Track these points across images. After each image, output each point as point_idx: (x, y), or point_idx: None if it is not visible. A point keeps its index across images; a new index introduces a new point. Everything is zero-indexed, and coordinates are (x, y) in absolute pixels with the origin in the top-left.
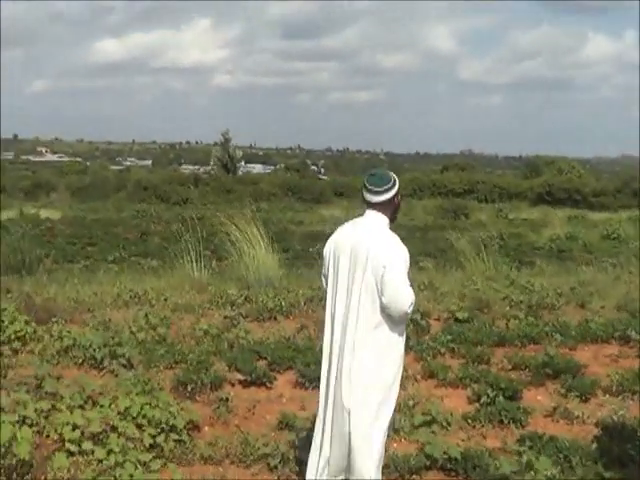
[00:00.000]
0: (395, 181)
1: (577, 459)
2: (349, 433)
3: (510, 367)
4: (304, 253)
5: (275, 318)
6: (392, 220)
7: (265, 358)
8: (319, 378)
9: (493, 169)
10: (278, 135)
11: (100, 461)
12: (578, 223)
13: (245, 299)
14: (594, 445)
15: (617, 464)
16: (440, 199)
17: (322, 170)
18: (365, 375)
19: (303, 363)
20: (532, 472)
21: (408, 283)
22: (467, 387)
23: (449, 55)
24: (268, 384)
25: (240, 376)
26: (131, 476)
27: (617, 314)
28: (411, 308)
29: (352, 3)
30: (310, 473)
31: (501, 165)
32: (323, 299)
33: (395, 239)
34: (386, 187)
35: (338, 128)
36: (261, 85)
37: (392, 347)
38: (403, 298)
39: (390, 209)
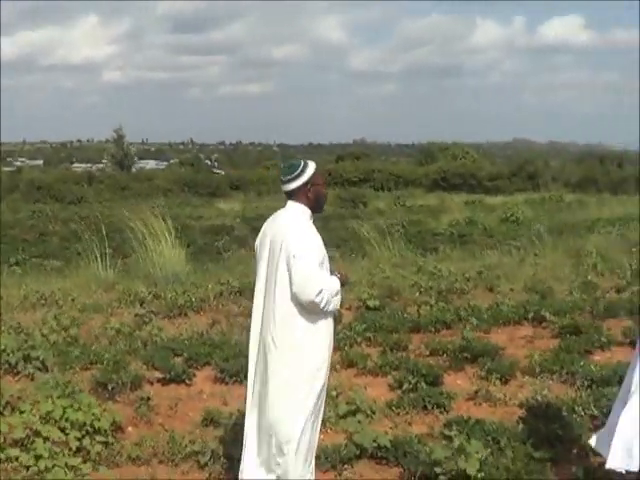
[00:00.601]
0: (304, 169)
1: (505, 441)
2: (272, 426)
3: (428, 353)
4: (207, 247)
5: (186, 314)
6: (315, 210)
7: (181, 355)
8: (238, 372)
9: (387, 157)
10: (170, 130)
11: (27, 467)
12: (475, 208)
13: (154, 296)
14: (520, 426)
15: (545, 444)
16: (337, 189)
17: (216, 164)
18: (287, 366)
19: (221, 358)
20: (464, 456)
21: (320, 273)
22: (387, 375)
23: (340, 45)
24: (187, 381)
25: (158, 374)
26: None
27: (526, 296)
28: (320, 297)
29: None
30: (245, 473)
31: (394, 153)
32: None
33: (309, 229)
34: (292, 176)
35: (230, 121)
36: (152, 80)
37: (313, 336)
38: (310, 287)
39: (304, 198)
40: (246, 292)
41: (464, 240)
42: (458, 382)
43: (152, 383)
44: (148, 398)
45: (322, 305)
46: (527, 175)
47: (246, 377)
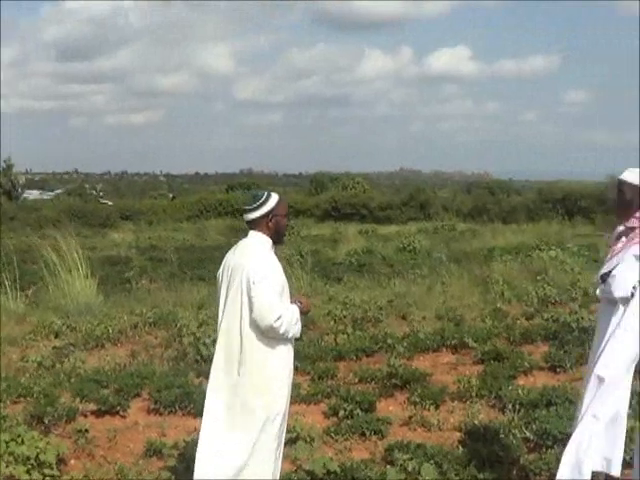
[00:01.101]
0: (266, 200)
1: (447, 464)
2: (233, 451)
3: (356, 380)
4: (109, 278)
5: (103, 346)
6: (275, 241)
7: (107, 387)
8: (173, 403)
9: (274, 187)
10: (54, 160)
11: None
12: (370, 237)
13: (68, 328)
14: (461, 449)
15: (487, 465)
16: (228, 219)
17: (101, 194)
18: (248, 390)
19: (152, 389)
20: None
21: (279, 299)
22: (320, 402)
23: (226, 75)
24: (122, 412)
25: (92, 406)
26: None
27: (439, 323)
28: (279, 323)
29: (128, 24)
30: None
31: (282, 182)
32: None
33: (269, 258)
34: (254, 206)
35: (116, 151)
36: (36, 109)
37: (274, 361)
38: (269, 313)
39: (265, 228)
40: (160, 323)
41: (364, 269)
42: (390, 408)
43: (86, 415)
44: (86, 430)
45: (281, 331)
46: (418, 204)
47: (181, 408)
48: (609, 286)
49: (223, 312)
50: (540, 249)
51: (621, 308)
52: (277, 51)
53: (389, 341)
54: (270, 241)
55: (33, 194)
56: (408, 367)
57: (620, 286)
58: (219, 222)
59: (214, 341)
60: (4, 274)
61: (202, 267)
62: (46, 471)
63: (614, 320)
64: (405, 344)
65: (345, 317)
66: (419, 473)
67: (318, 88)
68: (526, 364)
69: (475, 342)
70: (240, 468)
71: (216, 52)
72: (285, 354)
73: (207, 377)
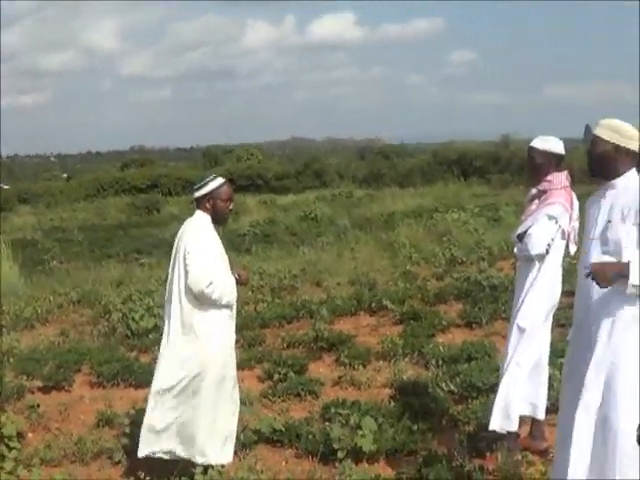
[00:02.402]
0: (207, 183)
1: (382, 417)
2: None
3: (285, 345)
4: (24, 261)
5: (33, 326)
6: (216, 222)
7: (46, 364)
8: (115, 376)
9: (166, 162)
10: None
11: None
12: (269, 207)
13: None
14: (393, 404)
15: (419, 417)
16: (124, 196)
17: None
18: (190, 356)
19: (93, 364)
20: (360, 432)
21: (212, 267)
22: (254, 368)
23: (112, 52)
24: (67, 387)
25: (38, 383)
26: None
27: (353, 288)
28: (210, 289)
29: (11, 3)
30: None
31: (173, 157)
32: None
33: (206, 231)
34: (196, 186)
35: (5, 134)
36: None
37: (208, 326)
38: (201, 279)
39: (204, 208)
40: (84, 302)
41: (269, 240)
42: (320, 370)
43: (33, 392)
44: (37, 405)
45: (214, 297)
46: (313, 173)
47: (123, 380)
48: (525, 245)
49: (169, 284)
50: (439, 211)
51: (537, 264)
52: (162, 25)
53: (313, 307)
54: (209, 218)
55: None
56: (332, 330)
57: (536, 244)
58: (117, 200)
59: (142, 316)
60: None
61: (110, 246)
62: (11, 444)
63: (531, 276)
64: (325, 309)
65: (262, 287)
66: (359, 427)
67: (204, 61)
68: (443, 322)
69: (392, 304)
70: (190, 439)
71: (101, 29)
72: (221, 321)
73: (140, 350)
